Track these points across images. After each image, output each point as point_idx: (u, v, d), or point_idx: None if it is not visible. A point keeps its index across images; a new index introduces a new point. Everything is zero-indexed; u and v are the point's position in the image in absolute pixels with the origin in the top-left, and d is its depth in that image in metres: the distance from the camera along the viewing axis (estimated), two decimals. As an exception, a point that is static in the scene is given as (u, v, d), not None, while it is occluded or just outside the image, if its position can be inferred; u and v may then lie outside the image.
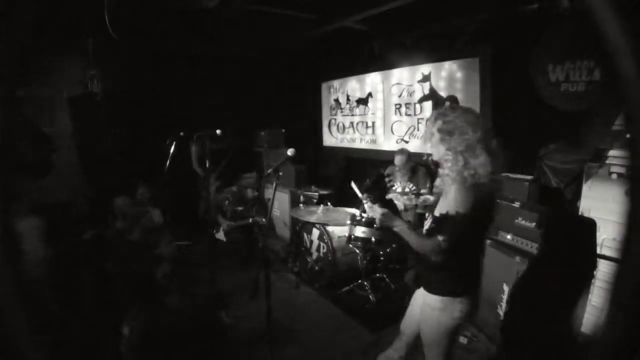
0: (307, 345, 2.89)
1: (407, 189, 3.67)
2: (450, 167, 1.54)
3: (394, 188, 3.74)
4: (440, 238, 1.50)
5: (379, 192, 1.79)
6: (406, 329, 1.93)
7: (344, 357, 2.75)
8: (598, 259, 2.45)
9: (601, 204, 2.70)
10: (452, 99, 3.89)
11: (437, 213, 1.62)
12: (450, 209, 1.51)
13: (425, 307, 1.72)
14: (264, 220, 3.61)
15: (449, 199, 1.54)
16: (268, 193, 5.22)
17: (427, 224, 1.68)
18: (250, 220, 3.79)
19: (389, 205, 1.69)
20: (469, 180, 1.50)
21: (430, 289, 1.70)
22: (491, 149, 1.54)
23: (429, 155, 1.70)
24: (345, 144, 5.99)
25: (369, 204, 1.79)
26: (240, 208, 4.57)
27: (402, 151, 3.77)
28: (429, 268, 1.69)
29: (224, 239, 4.37)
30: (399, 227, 1.65)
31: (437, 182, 1.68)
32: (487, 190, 1.54)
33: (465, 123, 1.53)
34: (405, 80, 4.75)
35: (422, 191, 3.55)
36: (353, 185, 2.03)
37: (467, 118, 1.55)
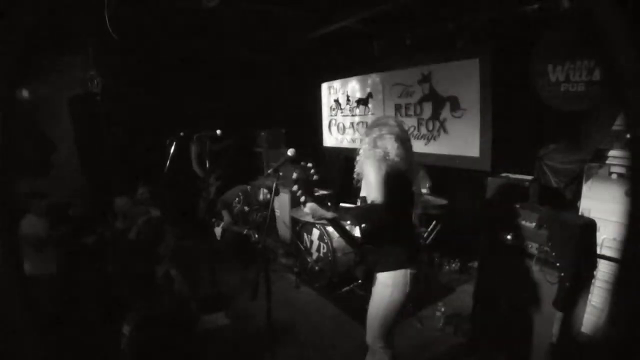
0: (307, 345, 2.89)
1: None
2: (365, 150, 1.86)
3: None
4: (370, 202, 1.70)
5: (307, 185, 1.85)
6: None
7: (344, 357, 2.75)
8: (598, 259, 2.45)
9: (601, 204, 2.70)
10: (452, 99, 3.89)
11: (362, 194, 1.84)
12: (369, 181, 1.78)
13: (378, 286, 1.86)
14: (256, 236, 3.65)
15: (367, 177, 1.81)
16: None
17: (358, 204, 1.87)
18: (245, 231, 3.81)
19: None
20: (377, 155, 1.79)
21: (380, 268, 1.86)
22: (405, 142, 1.86)
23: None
24: (346, 145, 5.98)
25: (302, 198, 1.87)
26: (247, 208, 4.47)
27: None
28: (374, 251, 1.88)
29: (218, 237, 4.35)
30: (331, 215, 1.84)
31: (357, 167, 1.94)
32: (400, 168, 1.80)
33: (388, 125, 1.87)
34: (406, 80, 4.75)
35: (423, 191, 3.55)
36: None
37: (392, 123, 1.90)
